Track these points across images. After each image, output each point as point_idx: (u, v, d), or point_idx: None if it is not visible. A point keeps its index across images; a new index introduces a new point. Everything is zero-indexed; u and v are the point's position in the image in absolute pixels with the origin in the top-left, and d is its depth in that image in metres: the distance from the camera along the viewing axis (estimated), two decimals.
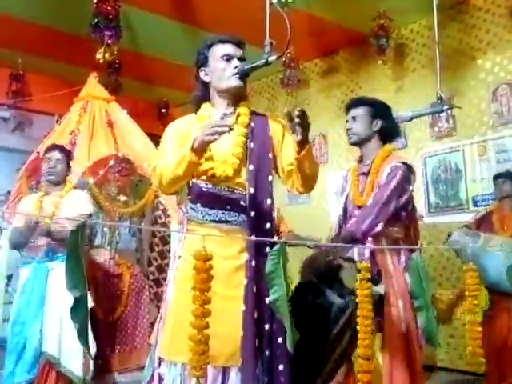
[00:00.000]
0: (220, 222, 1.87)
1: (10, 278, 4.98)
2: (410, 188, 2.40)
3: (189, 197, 1.94)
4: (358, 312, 1.54)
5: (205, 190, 1.91)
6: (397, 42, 5.37)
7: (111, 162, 4.13)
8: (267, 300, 1.77)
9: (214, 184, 1.90)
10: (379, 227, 2.26)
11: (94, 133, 4.12)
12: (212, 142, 1.71)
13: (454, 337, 4.56)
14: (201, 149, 1.75)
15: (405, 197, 2.35)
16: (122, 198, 4.24)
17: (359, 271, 1.54)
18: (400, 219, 2.38)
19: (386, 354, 2.22)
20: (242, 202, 1.90)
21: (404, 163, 2.41)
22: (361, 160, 2.60)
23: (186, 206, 1.95)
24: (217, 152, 1.91)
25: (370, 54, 5.37)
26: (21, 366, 2.74)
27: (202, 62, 2.00)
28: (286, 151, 1.99)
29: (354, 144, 2.57)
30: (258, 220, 1.87)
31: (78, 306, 1.20)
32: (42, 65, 6.40)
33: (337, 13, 5.05)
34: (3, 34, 5.58)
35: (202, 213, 1.89)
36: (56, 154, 3.09)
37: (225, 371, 1.80)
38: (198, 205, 1.90)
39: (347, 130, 2.54)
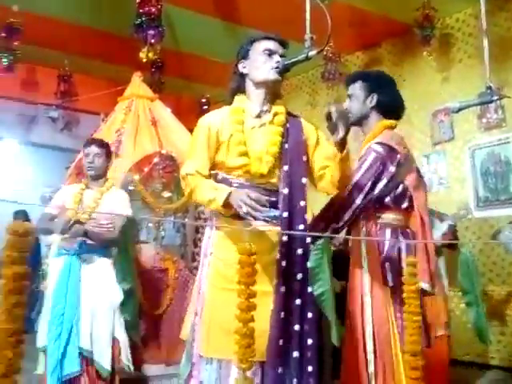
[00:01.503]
0: None
1: None
2: (392, 169, 2.12)
3: None
4: (405, 308, 1.51)
5: (235, 185, 1.91)
6: (442, 32, 5.21)
7: (155, 159, 4.21)
8: (298, 301, 1.78)
9: (246, 180, 1.91)
10: (346, 216, 2.09)
11: (138, 131, 4.21)
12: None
13: (505, 334, 4.41)
14: (230, 208, 1.79)
15: (384, 180, 2.10)
16: (167, 194, 4.32)
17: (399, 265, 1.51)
18: (395, 205, 2.15)
19: (345, 351, 2.09)
20: (273, 198, 1.90)
21: (382, 143, 2.16)
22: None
23: None
24: (252, 149, 1.91)
25: (414, 45, 5.24)
26: (65, 360, 2.71)
27: (243, 54, 2.02)
28: (319, 155, 1.99)
29: (352, 124, 2.20)
30: (291, 221, 1.86)
31: (128, 299, 1.23)
32: (88, 65, 6.59)
33: (379, 3, 4.95)
34: (51, 36, 5.78)
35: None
36: (94, 149, 3.04)
37: (262, 367, 1.81)
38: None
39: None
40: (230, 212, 1.83)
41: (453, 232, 3.64)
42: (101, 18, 5.39)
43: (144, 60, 4.36)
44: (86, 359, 2.78)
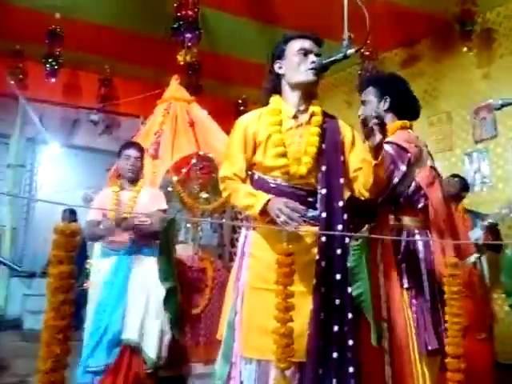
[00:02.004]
0: None
1: None
2: (403, 168, 2.11)
3: None
4: (446, 309, 1.49)
5: (272, 185, 1.91)
6: (482, 27, 5.06)
7: (193, 161, 4.26)
8: (337, 301, 1.76)
9: (283, 180, 1.90)
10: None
11: (176, 133, 4.27)
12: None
13: None
14: (267, 215, 1.79)
15: (395, 179, 2.09)
16: (204, 194, 4.36)
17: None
18: (411, 206, 2.13)
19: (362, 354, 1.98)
20: (310, 199, 1.90)
21: (392, 143, 2.14)
22: None
23: None
24: (290, 150, 1.91)
25: (454, 41, 5.12)
26: (99, 351, 2.86)
27: (278, 55, 2.00)
28: (354, 156, 1.97)
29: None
30: (330, 221, 1.85)
31: (170, 297, 1.26)
32: (127, 69, 6.74)
33: None
34: (91, 42, 5.94)
35: None
36: (135, 152, 3.14)
37: (300, 367, 1.80)
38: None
39: (358, 117, 2.28)
40: (266, 219, 1.82)
41: (493, 232, 3.54)
42: (139, 22, 5.50)
43: (181, 63, 4.43)
44: (129, 350, 2.91)
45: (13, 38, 5.99)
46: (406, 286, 2.02)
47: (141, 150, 3.21)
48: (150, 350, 2.92)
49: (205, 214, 4.35)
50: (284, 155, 1.89)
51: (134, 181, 3.17)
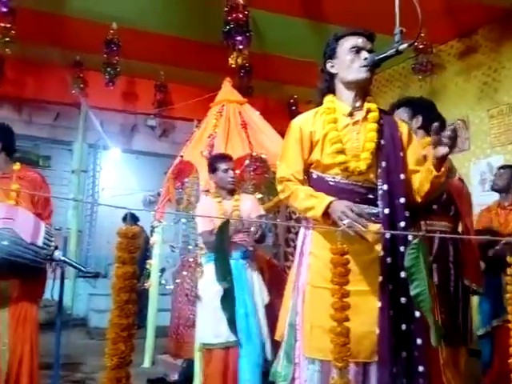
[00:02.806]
0: None
1: (162, 271, 5.48)
2: None
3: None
4: (509, 309, 1.44)
5: (332, 183, 1.89)
6: None
7: (246, 162, 4.30)
8: (403, 299, 1.73)
9: (343, 177, 1.88)
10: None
11: (229, 135, 4.33)
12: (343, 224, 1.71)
13: None
14: (328, 217, 1.78)
15: None
16: (258, 195, 4.39)
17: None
18: (443, 212, 2.36)
19: None
20: (370, 196, 1.87)
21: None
22: None
23: None
24: (348, 146, 1.89)
25: None
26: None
27: (330, 54, 1.98)
28: (411, 155, 1.93)
29: None
30: (393, 218, 1.82)
31: (227, 297, 1.29)
32: (181, 74, 6.91)
33: None
34: (146, 49, 6.15)
35: None
36: (231, 164, 3.27)
37: (365, 367, 1.79)
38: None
39: None
40: (327, 222, 1.80)
41: None
42: (191, 28, 5.64)
43: (233, 66, 4.49)
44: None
45: (73, 49, 6.30)
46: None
47: (232, 159, 3.36)
48: (268, 352, 3.03)
49: None
50: (342, 152, 1.87)
51: (233, 192, 3.29)
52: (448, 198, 2.36)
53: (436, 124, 1.69)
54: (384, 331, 1.74)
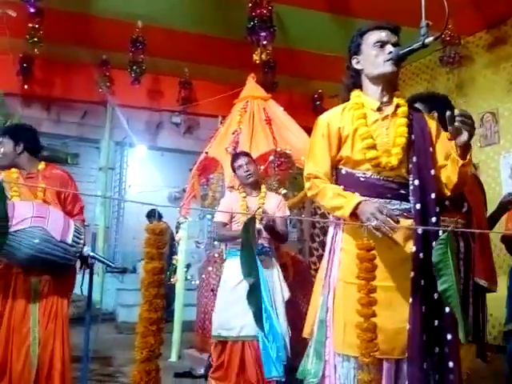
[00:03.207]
0: None
1: (188, 266, 5.54)
2: None
3: (341, 187, 1.91)
4: None
5: (362, 179, 1.88)
6: None
7: (271, 157, 4.30)
8: (436, 295, 1.71)
9: (374, 173, 1.87)
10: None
11: (254, 131, 4.33)
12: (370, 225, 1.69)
13: None
14: (356, 217, 1.77)
15: None
16: (283, 191, 4.39)
17: None
18: (455, 209, 2.33)
19: None
20: (402, 191, 1.85)
21: None
22: None
23: None
24: (378, 142, 1.87)
25: None
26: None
27: (355, 49, 1.96)
28: (440, 150, 1.90)
29: None
30: (424, 213, 1.80)
31: (253, 292, 1.31)
32: (205, 71, 6.95)
33: None
34: (171, 47, 6.20)
35: None
36: (244, 159, 3.27)
37: (397, 364, 1.77)
38: (356, 194, 1.84)
39: None
40: (355, 221, 1.78)
41: None
42: (215, 25, 5.65)
43: (257, 61, 4.48)
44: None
45: (100, 48, 6.40)
46: None
47: (247, 154, 3.37)
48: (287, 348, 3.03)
49: None
50: (373, 147, 1.85)
51: (255, 185, 3.30)
52: (460, 194, 2.27)
53: (449, 113, 1.67)
54: (415, 327, 1.72)
